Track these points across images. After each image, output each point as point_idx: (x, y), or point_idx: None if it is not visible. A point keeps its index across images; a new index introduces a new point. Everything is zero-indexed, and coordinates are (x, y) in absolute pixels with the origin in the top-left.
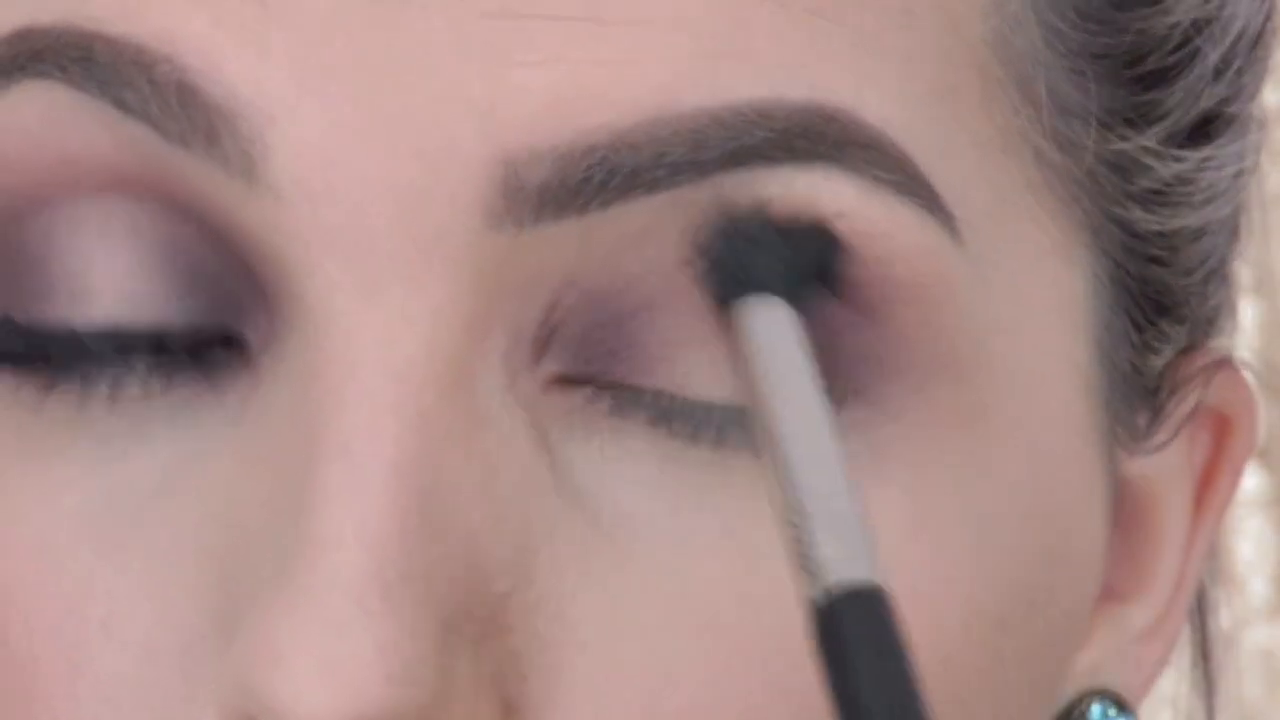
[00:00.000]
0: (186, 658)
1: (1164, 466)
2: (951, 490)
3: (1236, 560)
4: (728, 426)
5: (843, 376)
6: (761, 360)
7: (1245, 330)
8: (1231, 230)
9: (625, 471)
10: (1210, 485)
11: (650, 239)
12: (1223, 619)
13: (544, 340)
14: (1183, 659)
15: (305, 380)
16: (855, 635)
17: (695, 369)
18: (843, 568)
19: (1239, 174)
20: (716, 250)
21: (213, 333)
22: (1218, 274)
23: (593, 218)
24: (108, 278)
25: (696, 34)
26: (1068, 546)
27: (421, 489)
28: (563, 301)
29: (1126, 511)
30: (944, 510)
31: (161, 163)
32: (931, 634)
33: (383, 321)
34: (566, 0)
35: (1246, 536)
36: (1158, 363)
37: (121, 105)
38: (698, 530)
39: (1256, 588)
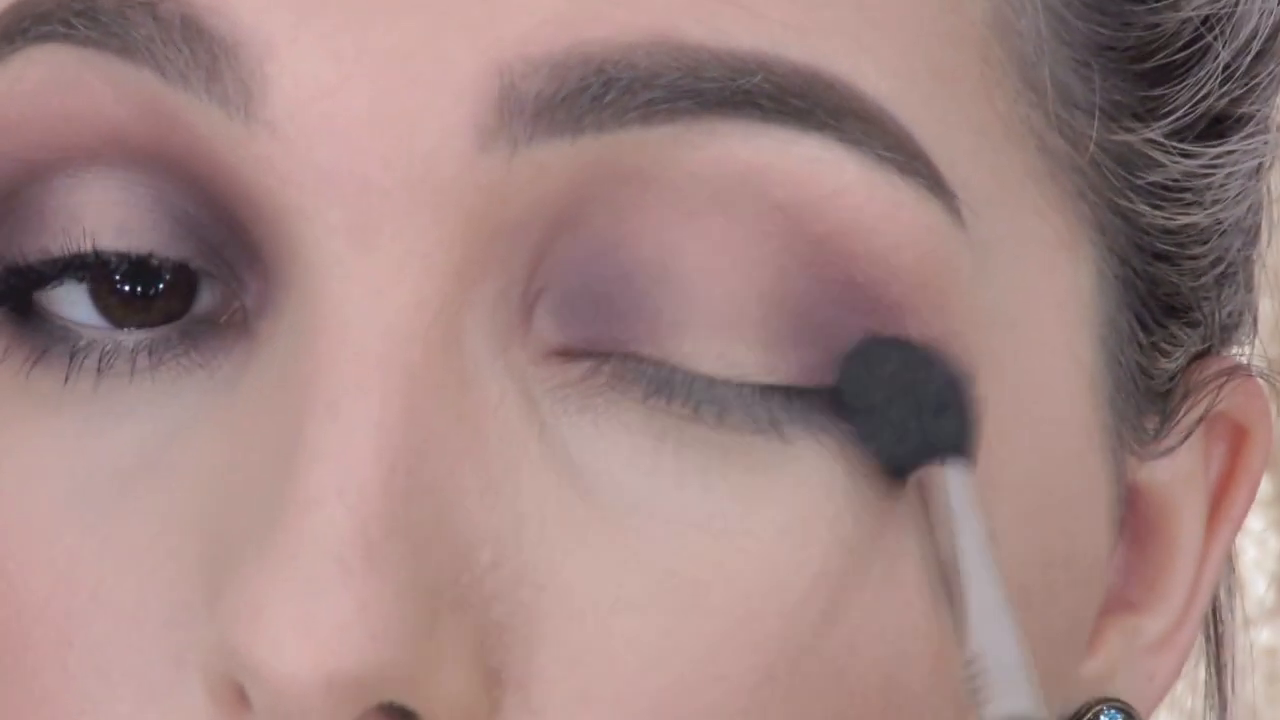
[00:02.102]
0: (174, 625)
1: (1177, 475)
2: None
3: (1237, 561)
4: (731, 406)
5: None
6: (955, 524)
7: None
8: (1247, 233)
9: (619, 445)
10: (1226, 495)
11: (652, 184)
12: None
13: (535, 295)
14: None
15: (299, 341)
16: None
17: (703, 341)
18: (1008, 704)
19: (1253, 175)
20: (899, 420)
21: (212, 303)
22: (1232, 278)
23: (588, 141)
24: (101, 225)
25: None
26: (1069, 547)
27: (408, 448)
28: (558, 249)
29: (1139, 520)
30: None
31: (161, 109)
32: (919, 623)
33: (374, 271)
34: None
35: (1247, 536)
36: (1169, 366)
37: (126, 50)
38: (691, 508)
39: (1258, 588)
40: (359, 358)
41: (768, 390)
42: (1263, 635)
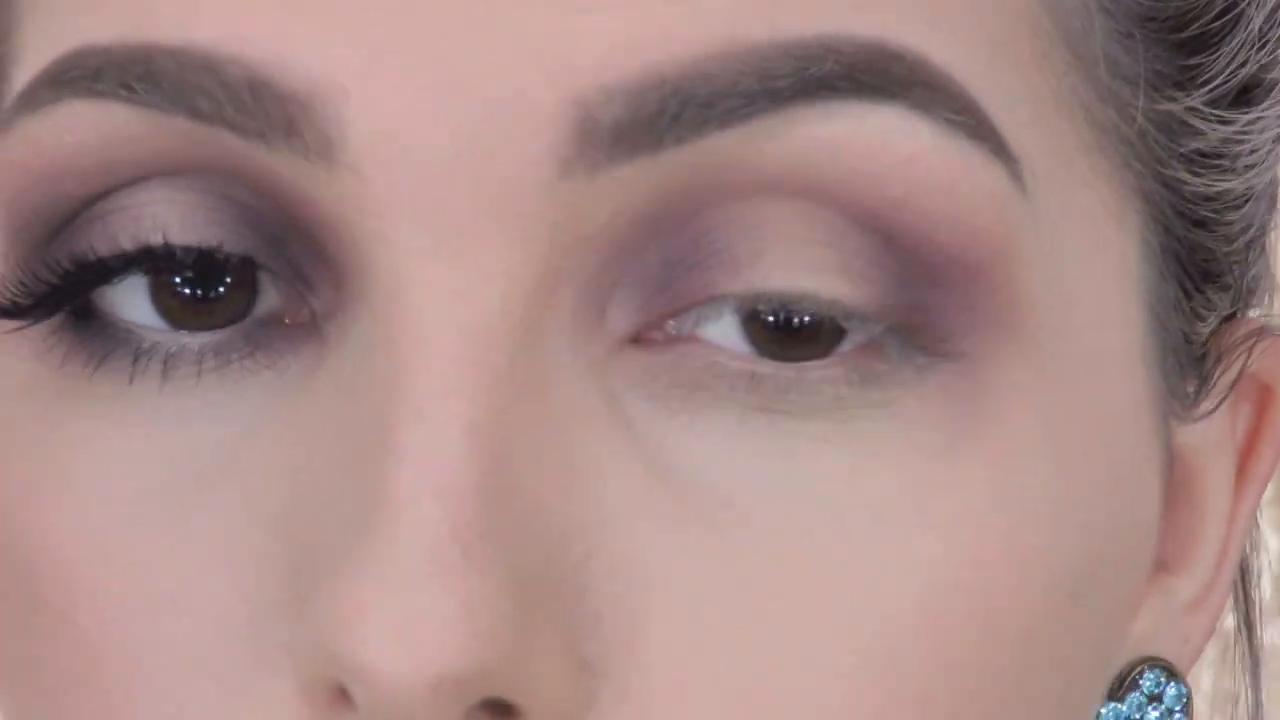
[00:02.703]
0: (258, 627)
1: (1208, 437)
2: (1030, 459)
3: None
4: (820, 353)
5: (930, 331)
6: None
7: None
8: (1270, 199)
9: (707, 440)
10: (1253, 455)
11: (732, 176)
12: (1225, 618)
13: (611, 286)
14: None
15: (376, 345)
16: None
17: (781, 270)
18: None
19: (1275, 141)
20: None
21: (276, 303)
22: (1257, 241)
23: (667, 156)
24: (169, 218)
25: None
26: (1130, 516)
27: (497, 448)
28: (636, 244)
29: (1174, 483)
30: (1026, 479)
31: (237, 155)
32: (1014, 603)
33: (455, 282)
34: None
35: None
36: (1204, 330)
37: (195, 115)
38: (780, 499)
39: (1259, 587)
40: (444, 360)
41: (851, 317)
42: (1264, 635)
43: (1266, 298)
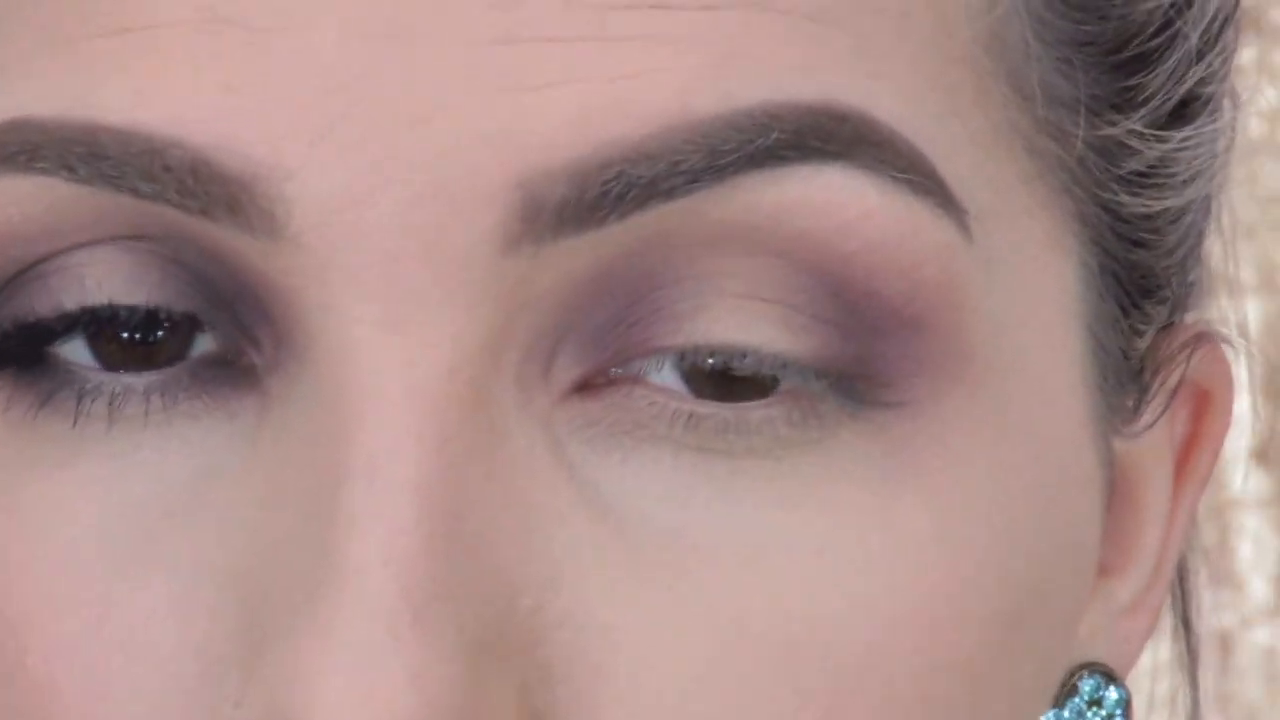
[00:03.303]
0: (208, 680)
1: (1147, 445)
2: (972, 494)
3: (1237, 560)
4: (761, 395)
5: (872, 380)
6: None
7: (1247, 330)
8: (1206, 207)
9: (647, 480)
10: (1190, 458)
11: (671, 240)
12: (1225, 619)
13: (557, 341)
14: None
15: (323, 405)
16: None
17: (724, 319)
18: None
19: (1215, 153)
20: None
21: (217, 348)
22: (1195, 249)
23: (611, 229)
24: (111, 277)
25: (703, 44)
26: (1072, 538)
27: (446, 510)
28: (581, 304)
29: (1114, 490)
30: (965, 514)
31: (181, 228)
32: (953, 635)
33: (403, 347)
34: (572, 21)
35: (1246, 536)
36: (1141, 345)
37: (138, 195)
38: (724, 536)
39: (1256, 588)
40: (392, 422)
41: (790, 367)
42: (1262, 635)
43: (1203, 297)
